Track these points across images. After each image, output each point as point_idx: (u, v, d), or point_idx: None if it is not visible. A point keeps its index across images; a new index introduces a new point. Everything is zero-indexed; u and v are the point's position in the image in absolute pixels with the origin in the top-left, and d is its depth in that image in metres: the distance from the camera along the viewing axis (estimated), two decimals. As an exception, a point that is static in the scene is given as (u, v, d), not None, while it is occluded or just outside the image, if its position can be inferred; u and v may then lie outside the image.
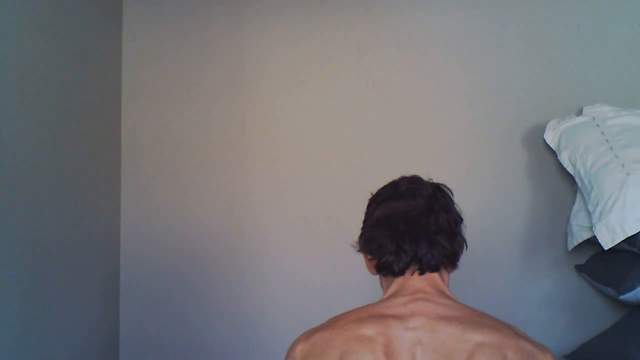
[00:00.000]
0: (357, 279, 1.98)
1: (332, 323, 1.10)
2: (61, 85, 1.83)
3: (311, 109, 2.20)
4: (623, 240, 1.69)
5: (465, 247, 1.19)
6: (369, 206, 1.22)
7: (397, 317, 1.06)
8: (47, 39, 1.75)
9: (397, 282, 1.15)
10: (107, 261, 2.16)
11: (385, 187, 1.23)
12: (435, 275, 1.15)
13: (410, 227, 1.13)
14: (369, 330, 1.05)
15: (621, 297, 1.75)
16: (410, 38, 2.17)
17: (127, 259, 2.24)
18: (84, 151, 1.97)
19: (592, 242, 1.81)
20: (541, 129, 2.01)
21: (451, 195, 1.21)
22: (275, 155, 2.20)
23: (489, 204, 2.05)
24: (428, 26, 2.17)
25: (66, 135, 1.85)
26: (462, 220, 1.20)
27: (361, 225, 1.23)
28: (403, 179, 1.22)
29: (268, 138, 2.21)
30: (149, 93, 2.27)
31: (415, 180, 1.21)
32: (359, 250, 1.21)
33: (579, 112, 2.00)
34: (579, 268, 1.98)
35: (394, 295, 1.13)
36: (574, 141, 1.89)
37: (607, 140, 1.83)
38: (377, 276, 1.22)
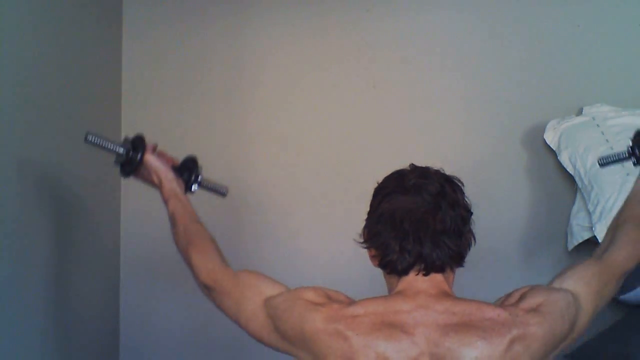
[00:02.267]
0: (357, 278, 1.98)
1: (351, 321, 1.08)
2: (61, 85, 1.83)
3: (311, 109, 2.20)
4: (623, 240, 1.68)
5: (473, 242, 1.17)
6: (374, 197, 1.19)
7: (405, 330, 1.06)
8: (47, 39, 1.75)
9: (402, 282, 1.14)
10: (107, 260, 2.16)
11: (391, 178, 1.20)
12: (439, 276, 1.14)
13: (415, 227, 1.12)
14: (381, 346, 1.05)
15: (621, 297, 1.75)
16: (411, 38, 2.17)
17: (127, 258, 2.23)
18: (84, 151, 1.97)
19: (592, 242, 1.82)
20: (541, 129, 2.01)
21: (461, 187, 1.18)
22: (275, 155, 2.20)
23: (489, 204, 2.05)
24: (428, 26, 2.17)
25: (66, 135, 1.85)
26: (471, 214, 1.17)
27: (362, 223, 1.21)
28: (411, 171, 1.19)
29: (268, 138, 2.21)
30: (149, 93, 2.26)
31: (423, 174, 1.17)
32: (362, 243, 1.20)
33: (579, 112, 2.00)
34: (579, 268, 1.98)
35: (399, 294, 1.13)
36: (574, 141, 1.89)
37: (607, 140, 1.83)
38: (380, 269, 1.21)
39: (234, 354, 2.20)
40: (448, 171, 1.23)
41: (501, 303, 1.14)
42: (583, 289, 1.18)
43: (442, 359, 1.04)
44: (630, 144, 1.40)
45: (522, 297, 1.13)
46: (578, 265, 1.24)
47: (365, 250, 1.21)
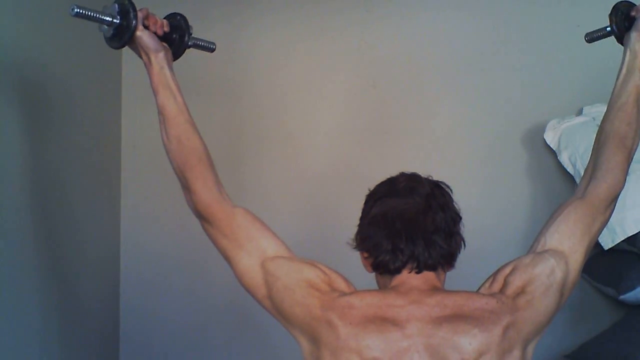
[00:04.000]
0: (357, 278, 1.98)
1: (346, 311, 1.09)
2: (61, 85, 1.83)
3: (311, 109, 2.20)
4: (623, 240, 1.69)
5: (463, 246, 1.19)
6: (366, 203, 1.21)
7: (396, 323, 1.07)
8: (47, 39, 1.75)
9: (395, 280, 1.15)
10: (107, 260, 2.16)
11: (382, 183, 1.22)
12: (431, 273, 1.15)
13: (407, 226, 1.13)
14: (371, 340, 1.05)
15: (621, 297, 1.75)
16: (411, 38, 2.17)
17: (127, 258, 2.23)
18: (84, 151, 1.97)
19: (592, 242, 1.81)
20: (541, 129, 2.01)
21: (450, 193, 1.20)
22: (276, 155, 2.20)
23: (489, 204, 2.05)
24: (428, 26, 2.17)
25: (66, 135, 1.85)
26: (460, 218, 1.19)
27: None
28: (401, 175, 1.21)
29: (268, 138, 2.21)
30: (149, 93, 2.24)
31: (413, 178, 1.20)
32: (355, 248, 1.21)
33: (579, 112, 2.00)
34: (579, 268, 1.98)
35: (393, 289, 1.14)
36: (574, 141, 1.89)
37: (607, 140, 1.83)
38: (374, 274, 1.22)
39: (233, 351, 2.20)
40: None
41: (488, 288, 1.15)
42: (567, 243, 1.19)
43: (437, 348, 1.05)
44: (609, 21, 1.37)
45: (506, 283, 1.14)
46: (561, 214, 1.23)
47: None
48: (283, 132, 2.20)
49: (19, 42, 1.61)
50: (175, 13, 1.40)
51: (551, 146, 1.97)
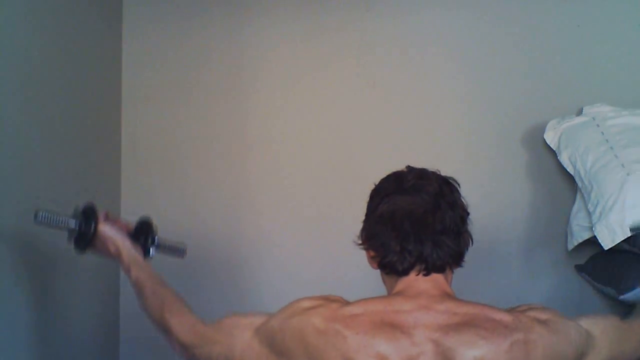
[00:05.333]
0: (360, 278, 1.98)
1: (350, 321, 1.08)
2: (61, 85, 1.83)
3: (311, 109, 2.20)
4: (623, 240, 1.68)
5: (471, 243, 1.18)
6: (371, 199, 1.20)
7: (404, 330, 1.06)
8: (47, 39, 1.75)
9: (402, 282, 1.14)
10: (107, 260, 2.16)
11: (388, 178, 1.21)
12: (440, 276, 1.14)
13: (415, 227, 1.12)
14: (382, 347, 1.05)
15: (621, 297, 1.75)
16: (411, 38, 2.17)
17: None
18: (84, 151, 1.97)
19: (592, 242, 1.81)
20: (541, 129, 2.01)
21: (458, 189, 1.19)
22: (276, 155, 2.20)
23: (489, 204, 2.05)
24: (428, 26, 2.17)
25: (66, 135, 1.85)
26: (468, 214, 1.18)
27: (361, 225, 1.21)
28: (409, 172, 1.20)
29: (268, 138, 2.21)
30: (149, 93, 2.26)
31: (421, 175, 1.18)
32: (360, 246, 1.20)
33: (579, 112, 2.00)
34: (579, 268, 1.98)
35: (399, 294, 1.13)
36: (574, 141, 1.89)
37: (607, 140, 1.83)
38: (379, 271, 1.21)
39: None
40: (448, 172, 1.23)
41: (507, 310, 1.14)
42: (599, 334, 1.17)
43: (443, 357, 1.04)
44: None
45: (530, 308, 1.13)
46: (600, 314, 1.28)
47: (364, 253, 1.21)
48: (282, 132, 2.20)
49: (20, 44, 1.61)
50: (141, 218, 1.49)
51: (551, 146, 1.97)
